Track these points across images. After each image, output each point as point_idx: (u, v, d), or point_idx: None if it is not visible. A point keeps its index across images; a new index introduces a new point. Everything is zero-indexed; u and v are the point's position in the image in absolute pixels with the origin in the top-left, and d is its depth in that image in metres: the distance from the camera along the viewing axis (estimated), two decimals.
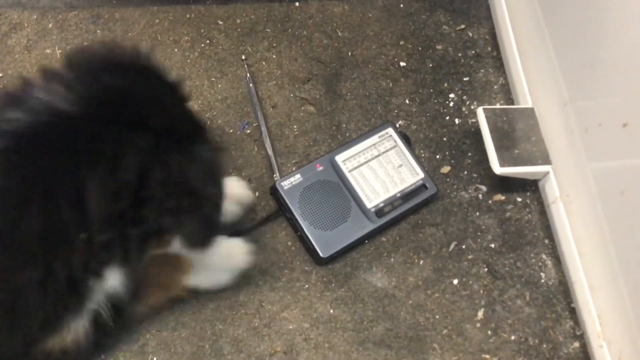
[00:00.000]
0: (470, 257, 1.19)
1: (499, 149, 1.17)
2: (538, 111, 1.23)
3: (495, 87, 1.36)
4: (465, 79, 1.36)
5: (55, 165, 0.77)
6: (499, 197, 1.24)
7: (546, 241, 1.21)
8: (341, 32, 1.40)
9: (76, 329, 0.92)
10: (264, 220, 1.18)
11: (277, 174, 1.19)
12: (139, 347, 1.07)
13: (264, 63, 1.34)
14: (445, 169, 1.26)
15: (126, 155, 0.77)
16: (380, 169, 1.20)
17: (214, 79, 1.31)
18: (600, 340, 1.06)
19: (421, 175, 1.20)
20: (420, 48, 1.39)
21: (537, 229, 1.22)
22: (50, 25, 1.34)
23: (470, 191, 1.25)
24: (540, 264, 1.19)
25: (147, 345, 1.07)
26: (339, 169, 1.19)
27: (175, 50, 1.33)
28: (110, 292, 0.92)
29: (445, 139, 1.29)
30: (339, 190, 1.18)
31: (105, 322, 0.94)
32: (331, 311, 1.12)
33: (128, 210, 0.78)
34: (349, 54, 1.37)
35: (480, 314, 1.14)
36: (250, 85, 1.29)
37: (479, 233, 1.21)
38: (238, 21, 1.39)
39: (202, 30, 1.36)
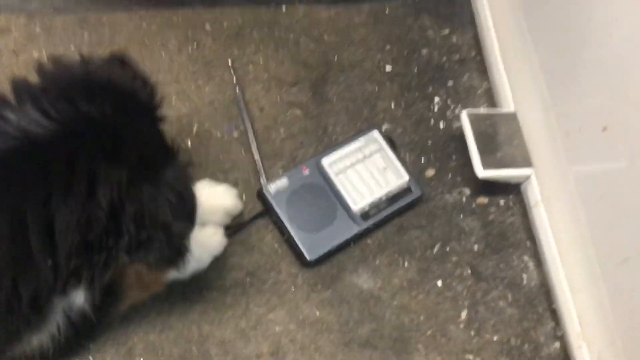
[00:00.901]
0: (454, 259, 1.21)
1: (482, 152, 1.20)
2: (520, 115, 1.25)
3: (479, 91, 1.38)
4: (449, 83, 1.38)
5: (25, 193, 0.75)
6: (483, 200, 1.26)
7: (528, 243, 1.23)
8: (328, 36, 1.41)
9: (39, 339, 0.92)
10: (249, 222, 1.19)
11: (264, 178, 1.21)
12: (126, 350, 1.07)
13: (251, 67, 1.35)
14: (430, 173, 1.28)
15: (99, 189, 0.76)
16: (366, 172, 1.21)
17: (201, 82, 1.32)
18: (580, 341, 1.08)
19: (406, 178, 1.22)
20: (405, 52, 1.41)
21: (520, 231, 1.24)
22: (38, 30, 1.34)
23: (454, 194, 1.27)
24: (522, 265, 1.21)
25: (134, 348, 1.07)
26: (325, 172, 1.20)
27: (163, 53, 1.34)
28: (81, 306, 0.92)
29: (429, 142, 1.31)
30: (325, 194, 1.19)
31: (76, 328, 0.94)
32: (317, 313, 1.14)
33: (97, 241, 0.78)
34: (335, 58, 1.39)
35: (463, 314, 1.16)
36: (237, 89, 1.30)
37: (462, 235, 1.23)
38: (225, 25, 1.40)
39: (189, 34, 1.37)
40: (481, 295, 1.18)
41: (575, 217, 1.10)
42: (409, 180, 1.22)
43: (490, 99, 1.37)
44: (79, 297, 0.89)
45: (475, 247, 1.22)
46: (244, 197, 1.21)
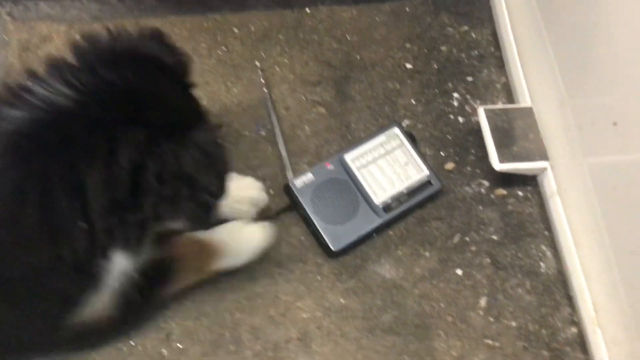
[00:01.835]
0: (473, 248, 1.25)
1: (498, 146, 1.24)
2: (537, 110, 1.29)
3: (497, 86, 1.41)
4: (468, 78, 1.42)
5: (53, 161, 0.79)
6: (501, 191, 1.30)
7: (546, 233, 1.27)
8: (350, 36, 1.46)
9: (98, 306, 0.96)
10: (277, 213, 1.25)
11: (291, 173, 1.27)
12: (164, 334, 1.14)
13: (277, 68, 1.41)
14: (450, 166, 1.33)
15: (119, 150, 0.79)
16: (388, 166, 1.26)
17: (229, 84, 1.38)
18: (594, 326, 1.12)
19: (426, 172, 1.27)
20: (425, 50, 1.45)
21: (538, 221, 1.28)
22: (77, 37, 1.42)
23: (473, 186, 1.31)
24: (540, 254, 1.25)
25: (172, 334, 1.14)
26: (348, 167, 1.26)
27: (194, 57, 1.39)
28: (129, 272, 0.96)
29: (449, 136, 1.36)
30: (349, 188, 1.25)
31: (131, 299, 0.98)
32: (342, 301, 1.19)
33: (126, 200, 0.81)
34: (358, 57, 1.44)
35: (483, 302, 1.20)
36: (265, 90, 1.36)
37: (482, 226, 1.27)
38: (252, 28, 1.46)
39: (219, 38, 1.43)
40: (500, 283, 1.22)
41: (590, 207, 1.13)
42: (429, 174, 1.27)
43: (508, 93, 1.40)
44: (121, 261, 0.93)
45: (494, 237, 1.26)
46: (271, 191, 1.26)
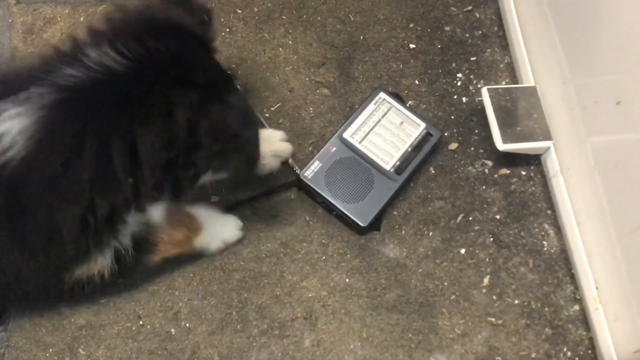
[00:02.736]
0: (476, 228, 1.26)
1: (502, 126, 1.24)
2: (540, 89, 1.29)
3: (501, 65, 1.41)
4: (472, 58, 1.42)
5: (110, 119, 0.86)
6: (505, 171, 1.31)
7: (549, 212, 1.27)
8: (353, 16, 1.46)
9: (101, 262, 1.02)
10: (279, 187, 1.27)
11: (297, 168, 1.27)
12: (172, 314, 1.17)
13: (280, 49, 1.41)
14: (453, 146, 1.33)
15: (177, 111, 0.87)
16: (385, 131, 1.28)
17: (234, 66, 1.39)
18: (596, 303, 1.13)
19: (423, 125, 1.29)
20: (429, 30, 1.45)
21: (540, 200, 1.29)
22: (82, 19, 1.43)
23: (477, 166, 1.32)
24: (543, 233, 1.26)
25: (180, 313, 1.17)
26: (349, 144, 1.26)
27: None
28: (136, 231, 1.04)
29: (453, 117, 1.36)
30: (357, 163, 1.26)
31: (123, 262, 1.04)
32: (347, 280, 1.21)
33: (179, 157, 0.89)
34: (361, 37, 1.44)
35: (486, 280, 1.22)
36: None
37: (485, 205, 1.28)
38: (255, 9, 1.46)
39: (222, 20, 1.43)
40: (503, 262, 1.23)
41: (593, 186, 1.14)
42: (426, 126, 1.29)
43: (512, 73, 1.40)
44: (156, 212, 1.03)
45: (497, 216, 1.27)
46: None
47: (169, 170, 0.90)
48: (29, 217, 0.91)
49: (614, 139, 1.09)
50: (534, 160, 1.31)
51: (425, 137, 1.29)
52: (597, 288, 1.14)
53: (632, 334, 1.05)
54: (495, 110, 1.25)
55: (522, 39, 1.35)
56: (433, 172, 1.31)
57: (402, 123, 1.29)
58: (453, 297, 1.20)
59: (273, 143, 1.24)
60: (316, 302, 1.19)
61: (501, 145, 1.23)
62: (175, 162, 0.89)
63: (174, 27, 0.95)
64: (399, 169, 1.26)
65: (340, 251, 1.23)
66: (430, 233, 1.25)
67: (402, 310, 1.18)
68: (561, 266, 1.23)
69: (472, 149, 1.33)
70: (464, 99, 1.38)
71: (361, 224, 1.21)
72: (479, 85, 1.39)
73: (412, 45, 1.43)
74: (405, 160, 1.26)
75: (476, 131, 1.35)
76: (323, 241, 1.24)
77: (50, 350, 1.13)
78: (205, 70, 0.93)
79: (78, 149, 0.85)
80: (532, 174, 1.31)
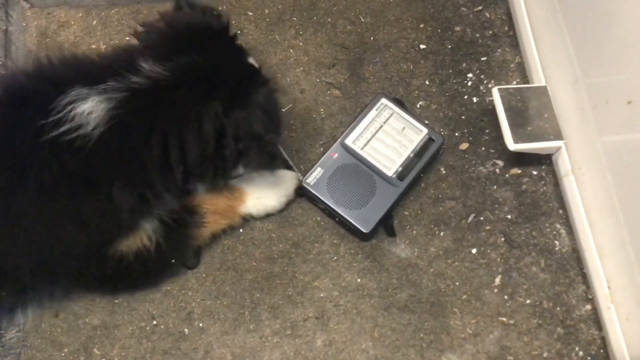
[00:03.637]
0: (488, 227, 1.27)
1: (513, 126, 1.24)
2: (551, 89, 1.29)
3: (511, 65, 1.41)
4: (482, 58, 1.42)
5: (167, 121, 1.04)
6: (516, 170, 1.31)
7: (560, 211, 1.27)
8: (364, 17, 1.47)
9: (146, 233, 1.12)
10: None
11: (300, 174, 1.28)
12: (186, 314, 1.18)
13: (291, 51, 1.42)
14: (464, 146, 1.34)
15: (204, 121, 1.05)
16: (387, 137, 1.28)
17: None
18: (608, 303, 1.13)
19: (425, 131, 1.29)
20: (439, 30, 1.46)
21: (552, 200, 1.29)
22: (95, 22, 1.45)
23: (487, 166, 1.32)
24: (554, 233, 1.26)
25: (193, 313, 1.18)
26: (352, 150, 1.27)
27: None
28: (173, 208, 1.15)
29: (463, 117, 1.37)
30: (359, 169, 1.26)
31: (169, 234, 1.14)
32: (358, 280, 1.22)
33: (213, 154, 1.07)
34: (372, 38, 1.44)
35: (497, 280, 1.22)
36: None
37: (496, 205, 1.28)
38: (266, 11, 1.47)
39: (234, 22, 1.44)
40: (514, 262, 1.23)
41: (605, 185, 1.13)
42: (428, 131, 1.29)
43: (523, 73, 1.40)
44: (200, 188, 1.18)
45: (509, 216, 1.27)
46: None
47: (206, 164, 1.08)
48: (92, 189, 1.04)
49: (626, 138, 1.09)
50: (545, 160, 1.31)
51: (427, 143, 1.28)
52: (609, 287, 1.14)
53: None
54: (506, 110, 1.26)
55: (533, 38, 1.35)
56: (444, 172, 1.31)
57: (404, 129, 1.29)
58: (464, 296, 1.20)
59: (285, 184, 1.27)
60: (328, 302, 1.19)
61: (512, 145, 1.23)
62: (210, 157, 1.07)
63: (214, 34, 1.13)
64: (401, 175, 1.26)
65: (352, 251, 1.24)
66: (442, 233, 1.26)
67: (414, 310, 1.19)
68: (573, 266, 1.23)
69: (483, 149, 1.34)
70: (474, 99, 1.38)
71: (363, 230, 1.22)
72: (489, 85, 1.39)
73: (422, 46, 1.44)
74: (408, 166, 1.26)
75: (487, 131, 1.35)
76: (334, 241, 1.25)
77: (66, 350, 1.15)
78: (230, 76, 1.09)
79: (147, 141, 1.04)
80: (543, 174, 1.31)
